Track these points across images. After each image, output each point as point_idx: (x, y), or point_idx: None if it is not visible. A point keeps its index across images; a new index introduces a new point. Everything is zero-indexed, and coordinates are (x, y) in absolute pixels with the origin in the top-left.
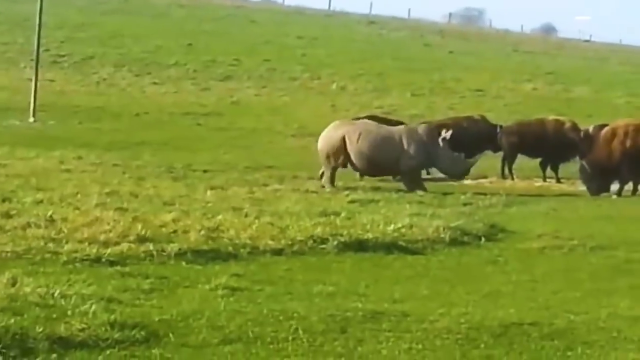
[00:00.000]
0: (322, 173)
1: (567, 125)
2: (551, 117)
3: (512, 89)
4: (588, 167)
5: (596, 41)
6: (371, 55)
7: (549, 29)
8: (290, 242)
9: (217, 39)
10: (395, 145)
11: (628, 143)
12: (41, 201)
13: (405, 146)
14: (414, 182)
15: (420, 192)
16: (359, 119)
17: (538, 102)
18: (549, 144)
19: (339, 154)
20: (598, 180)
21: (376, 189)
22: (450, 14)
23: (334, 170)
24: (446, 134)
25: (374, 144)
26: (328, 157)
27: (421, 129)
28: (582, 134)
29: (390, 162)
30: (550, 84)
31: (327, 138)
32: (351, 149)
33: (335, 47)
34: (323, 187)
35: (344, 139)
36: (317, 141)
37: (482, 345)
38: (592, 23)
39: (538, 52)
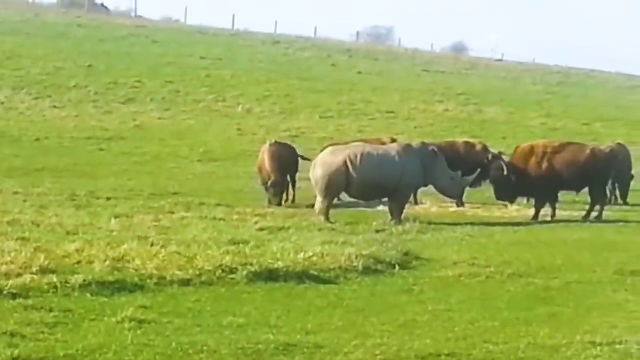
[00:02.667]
0: (322, 207)
1: (478, 147)
2: (462, 139)
3: (423, 111)
4: (505, 170)
5: (509, 60)
6: (277, 76)
7: (460, 48)
8: (198, 273)
9: (118, 60)
10: (395, 164)
11: (544, 164)
12: None
13: (405, 165)
14: (403, 205)
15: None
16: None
17: (450, 123)
18: (460, 167)
19: (342, 182)
20: (509, 185)
21: (287, 216)
22: (358, 33)
23: (332, 200)
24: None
25: (376, 166)
26: (329, 186)
27: (417, 145)
28: (490, 156)
29: (392, 183)
30: (462, 105)
31: (326, 165)
32: (354, 174)
33: (241, 68)
34: (326, 219)
35: (345, 164)
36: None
37: None
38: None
39: (449, 72)
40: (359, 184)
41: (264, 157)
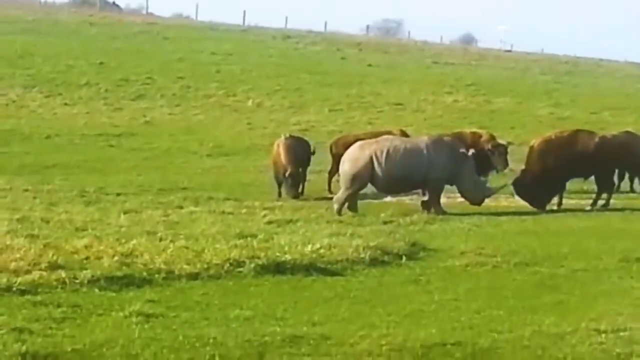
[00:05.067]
0: (342, 198)
1: (485, 137)
2: (469, 129)
3: (432, 102)
4: (522, 180)
5: (517, 51)
6: (287, 71)
7: (468, 40)
8: (206, 266)
9: (129, 57)
10: (422, 157)
11: (556, 155)
12: None
13: (433, 158)
14: (436, 198)
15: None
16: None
17: (459, 114)
18: None
19: (366, 176)
20: (536, 192)
21: (295, 209)
22: (367, 27)
23: (356, 192)
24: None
25: (402, 160)
26: (353, 179)
27: (448, 140)
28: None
29: (419, 176)
30: (471, 96)
31: (353, 161)
32: (379, 169)
33: (251, 63)
34: (338, 210)
35: (371, 159)
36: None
37: None
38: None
39: (458, 64)
40: (385, 178)
41: (279, 150)
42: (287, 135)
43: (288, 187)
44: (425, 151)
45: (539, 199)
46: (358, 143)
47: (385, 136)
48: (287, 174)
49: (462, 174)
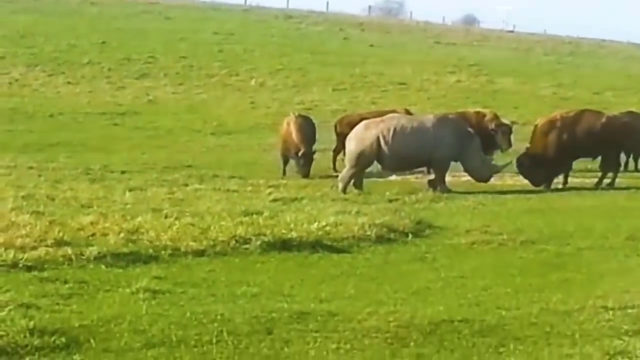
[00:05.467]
0: (346, 176)
1: (489, 117)
2: (473, 109)
3: (435, 82)
4: (525, 159)
5: (520, 31)
6: (290, 50)
7: (470, 21)
8: (212, 243)
9: (131, 36)
10: (428, 135)
11: (564, 135)
12: None
13: (439, 136)
14: (441, 176)
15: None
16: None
17: (462, 94)
18: None
19: (372, 155)
20: (538, 171)
21: (300, 187)
22: (369, 7)
23: (361, 171)
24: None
25: (408, 139)
26: (359, 158)
27: (453, 118)
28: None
29: (425, 155)
30: (474, 76)
31: (359, 140)
32: (385, 147)
33: (253, 43)
34: (343, 189)
35: (378, 138)
36: (234, 139)
37: (412, 344)
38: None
39: (461, 44)
40: (391, 156)
41: (291, 128)
42: (297, 114)
43: (300, 166)
44: (431, 129)
45: (541, 178)
46: (364, 122)
47: (392, 115)
48: (300, 153)
49: (469, 152)
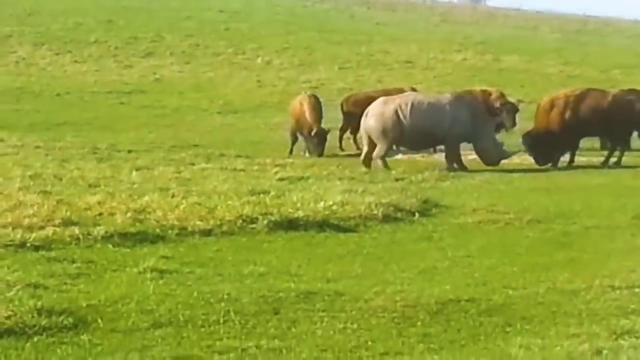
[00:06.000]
0: (366, 156)
1: (494, 95)
2: (479, 87)
3: (441, 60)
4: (529, 138)
5: (527, 9)
6: (296, 28)
7: None
8: (219, 223)
9: (137, 14)
10: (445, 112)
11: (567, 114)
12: None
13: (455, 114)
14: (455, 154)
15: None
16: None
17: (468, 72)
18: None
19: (396, 130)
20: (542, 150)
21: (307, 166)
22: None
23: (390, 146)
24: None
25: (426, 114)
26: (384, 133)
27: (469, 97)
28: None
29: (441, 132)
30: (480, 54)
31: (379, 116)
32: (405, 121)
33: (259, 21)
34: (383, 165)
35: (396, 112)
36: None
37: (419, 323)
38: None
39: (467, 22)
40: (409, 132)
41: (304, 107)
42: (308, 92)
43: (314, 146)
44: (448, 106)
45: (546, 157)
46: (381, 98)
47: (408, 92)
48: (313, 133)
49: (482, 133)
